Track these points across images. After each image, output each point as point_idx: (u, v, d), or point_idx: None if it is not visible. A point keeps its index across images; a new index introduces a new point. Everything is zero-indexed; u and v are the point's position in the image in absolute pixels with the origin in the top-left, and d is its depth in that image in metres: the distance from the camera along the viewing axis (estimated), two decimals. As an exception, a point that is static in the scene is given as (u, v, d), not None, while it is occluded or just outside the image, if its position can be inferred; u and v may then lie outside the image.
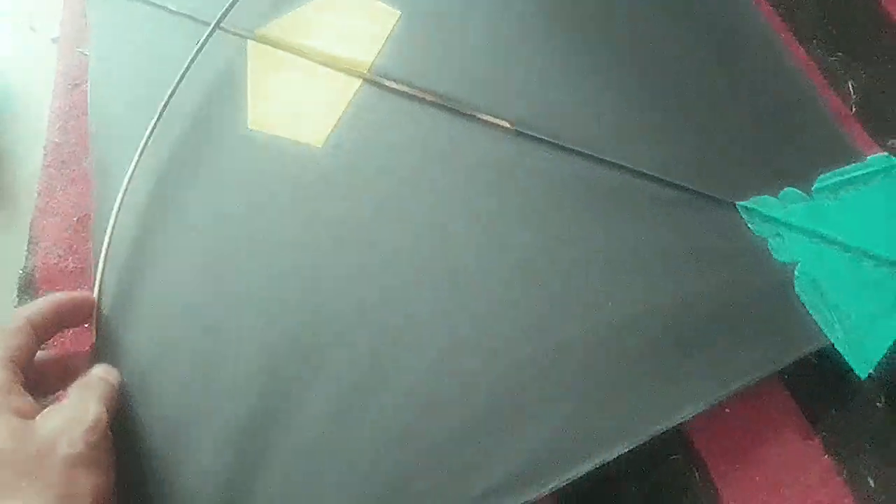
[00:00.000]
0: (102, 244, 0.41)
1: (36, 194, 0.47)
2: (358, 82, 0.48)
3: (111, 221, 0.42)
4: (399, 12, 0.50)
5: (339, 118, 0.47)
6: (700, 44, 0.49)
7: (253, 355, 0.39)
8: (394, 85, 0.47)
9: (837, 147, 0.45)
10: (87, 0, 0.53)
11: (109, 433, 0.34)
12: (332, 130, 0.46)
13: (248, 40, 0.50)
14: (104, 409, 0.34)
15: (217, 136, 0.46)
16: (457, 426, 0.38)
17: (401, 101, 0.47)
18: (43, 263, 0.45)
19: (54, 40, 0.54)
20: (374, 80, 0.48)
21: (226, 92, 0.48)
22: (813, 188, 0.43)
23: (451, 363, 0.39)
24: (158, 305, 0.41)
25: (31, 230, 0.46)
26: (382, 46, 0.49)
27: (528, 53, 0.49)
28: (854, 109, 0.48)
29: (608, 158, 0.44)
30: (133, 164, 0.43)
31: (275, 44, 0.49)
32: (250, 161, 0.45)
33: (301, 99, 0.48)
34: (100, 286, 0.40)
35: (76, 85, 0.51)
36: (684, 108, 0.46)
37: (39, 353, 0.35)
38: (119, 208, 0.42)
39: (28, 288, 0.44)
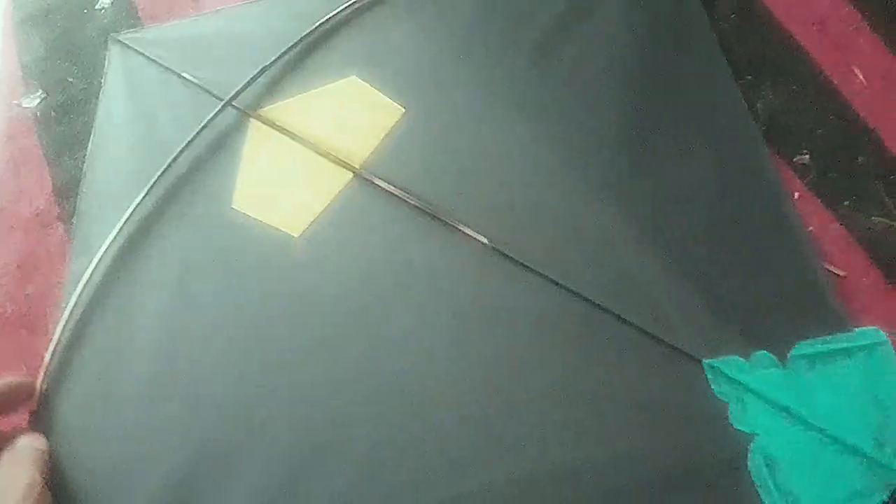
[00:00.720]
0: (63, 315, 0.42)
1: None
2: (348, 176, 0.48)
3: (73, 298, 0.43)
4: (403, 110, 0.51)
5: (323, 210, 0.47)
6: (699, 187, 0.47)
7: (177, 446, 0.40)
8: (382, 184, 0.47)
9: (828, 318, 0.42)
10: (108, 57, 0.56)
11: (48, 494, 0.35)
12: (312, 221, 0.47)
13: (252, 119, 0.51)
14: (37, 475, 0.34)
15: (201, 211, 0.48)
16: None
17: (386, 201, 0.47)
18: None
19: None
20: (364, 177, 0.48)
21: (219, 168, 0.49)
22: (789, 355, 0.41)
23: (381, 477, 0.39)
24: (104, 378, 0.42)
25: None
26: (380, 142, 0.49)
27: (521, 173, 0.48)
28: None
29: (579, 291, 0.43)
30: (110, 238, 0.45)
31: (275, 125, 0.50)
32: (225, 241, 0.46)
33: (289, 185, 0.48)
34: (50, 359, 0.42)
35: (12, 137, 0.53)
36: (669, 251, 0.45)
37: None
38: (87, 281, 0.43)
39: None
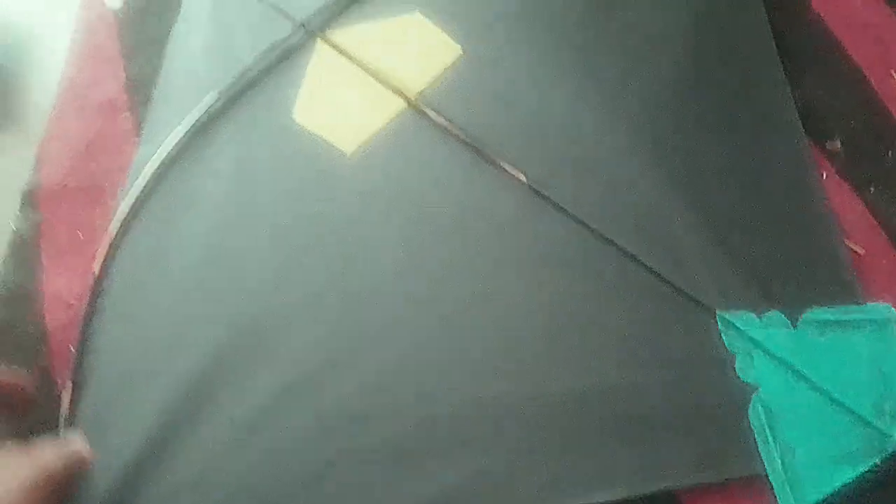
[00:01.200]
0: (127, 191, 0.46)
1: (47, 120, 0.52)
2: (402, 104, 0.51)
3: (138, 180, 0.47)
4: (460, 50, 0.53)
5: (375, 133, 0.50)
6: (735, 155, 0.48)
7: (216, 324, 0.43)
8: (433, 115, 0.50)
9: (841, 290, 0.44)
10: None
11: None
12: (364, 142, 0.49)
13: (318, 39, 0.54)
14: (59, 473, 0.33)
15: (264, 117, 0.50)
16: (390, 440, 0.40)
17: (434, 133, 0.49)
18: (46, 181, 0.50)
19: None
20: (416, 106, 0.50)
21: (285, 81, 0.52)
22: (801, 318, 0.43)
23: (422, 388, 0.41)
24: (157, 255, 0.45)
25: (38, 151, 0.51)
26: (435, 78, 0.52)
27: (567, 124, 0.50)
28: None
29: (608, 236, 0.45)
30: (179, 129, 0.48)
31: (339, 49, 0.53)
32: (282, 149, 0.49)
33: (346, 106, 0.51)
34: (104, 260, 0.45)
35: (91, 33, 0.56)
36: (701, 210, 0.46)
37: None
38: (152, 165, 0.46)
39: (30, 202, 0.49)
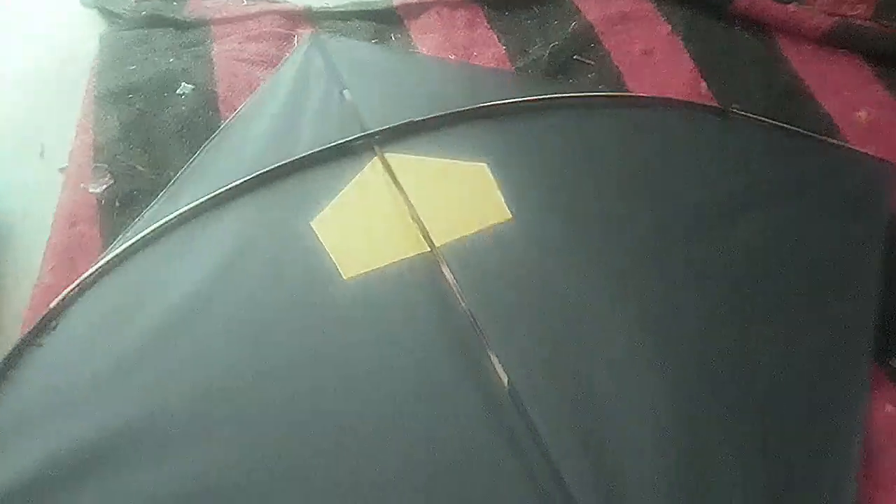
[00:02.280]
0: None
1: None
2: (422, 249, 0.47)
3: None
4: (510, 215, 0.49)
5: (380, 268, 0.46)
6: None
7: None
8: (446, 273, 0.45)
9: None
10: (297, 44, 0.60)
11: None
12: (365, 273, 0.46)
13: (375, 156, 0.51)
14: None
15: (282, 214, 0.49)
16: None
17: (437, 289, 0.45)
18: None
19: (61, 170, 0.55)
20: (434, 256, 0.46)
21: (323, 183, 0.50)
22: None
23: None
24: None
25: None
26: (470, 234, 0.48)
27: (591, 336, 0.45)
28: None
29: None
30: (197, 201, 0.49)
31: (390, 171, 0.50)
32: (284, 250, 0.47)
33: (368, 231, 0.48)
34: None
35: (74, 224, 0.51)
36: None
37: None
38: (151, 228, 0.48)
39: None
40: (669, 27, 0.63)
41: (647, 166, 0.51)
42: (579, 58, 0.61)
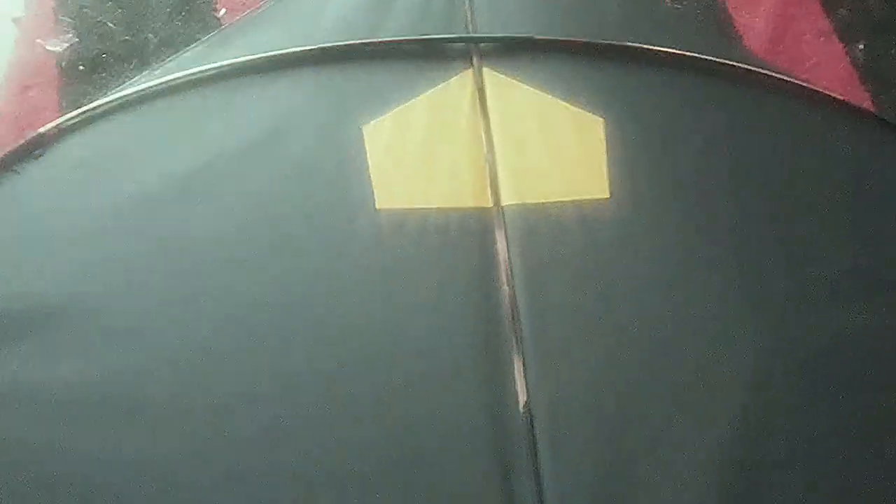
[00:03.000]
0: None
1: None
2: (478, 203, 0.38)
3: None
4: (608, 194, 0.39)
5: (422, 208, 0.38)
6: None
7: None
8: (500, 243, 0.37)
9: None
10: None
11: None
12: (404, 209, 0.38)
13: (471, 68, 0.41)
14: None
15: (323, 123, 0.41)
16: None
17: (480, 261, 0.37)
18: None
19: (15, 21, 0.47)
20: (489, 218, 0.37)
21: (391, 82, 0.42)
22: None
23: None
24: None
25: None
26: (543, 204, 0.38)
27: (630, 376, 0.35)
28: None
29: None
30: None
31: (478, 91, 0.41)
32: (322, 155, 0.40)
33: (427, 155, 0.39)
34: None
35: (27, 88, 0.44)
36: None
37: None
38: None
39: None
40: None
41: (802, 186, 0.41)
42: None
